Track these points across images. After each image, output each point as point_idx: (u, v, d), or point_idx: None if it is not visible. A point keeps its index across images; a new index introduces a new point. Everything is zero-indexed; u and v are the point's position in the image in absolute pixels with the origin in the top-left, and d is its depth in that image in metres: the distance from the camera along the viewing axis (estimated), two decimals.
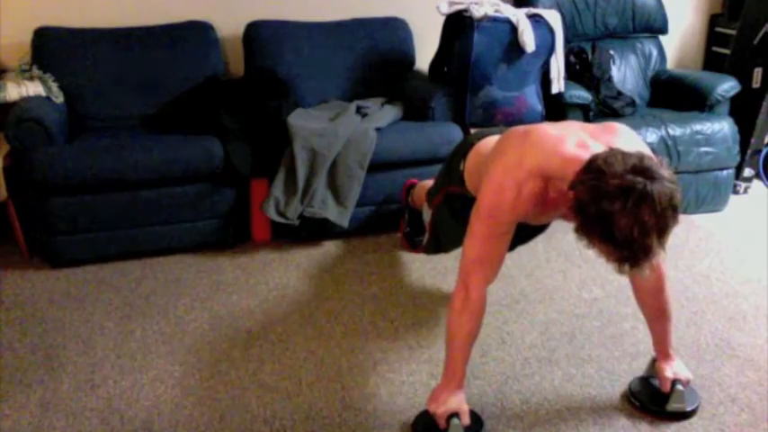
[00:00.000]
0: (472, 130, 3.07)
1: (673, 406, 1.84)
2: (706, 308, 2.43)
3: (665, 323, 1.87)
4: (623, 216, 1.31)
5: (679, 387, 1.86)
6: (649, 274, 1.55)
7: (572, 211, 1.40)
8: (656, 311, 1.86)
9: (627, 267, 1.37)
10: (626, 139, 1.61)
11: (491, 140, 1.91)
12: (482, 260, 1.67)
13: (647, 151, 1.49)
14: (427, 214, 2.51)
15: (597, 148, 1.50)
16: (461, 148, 2.08)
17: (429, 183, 2.57)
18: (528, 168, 1.56)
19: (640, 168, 1.34)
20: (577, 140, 1.56)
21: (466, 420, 1.73)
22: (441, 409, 1.72)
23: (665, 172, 1.35)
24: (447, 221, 2.20)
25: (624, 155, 1.37)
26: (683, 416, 1.85)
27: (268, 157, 2.83)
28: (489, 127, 3.07)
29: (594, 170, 1.36)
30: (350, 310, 2.43)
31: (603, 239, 1.36)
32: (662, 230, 1.34)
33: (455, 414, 1.72)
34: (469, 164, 1.96)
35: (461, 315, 1.69)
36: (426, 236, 2.49)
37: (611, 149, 1.41)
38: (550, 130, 1.62)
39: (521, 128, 1.70)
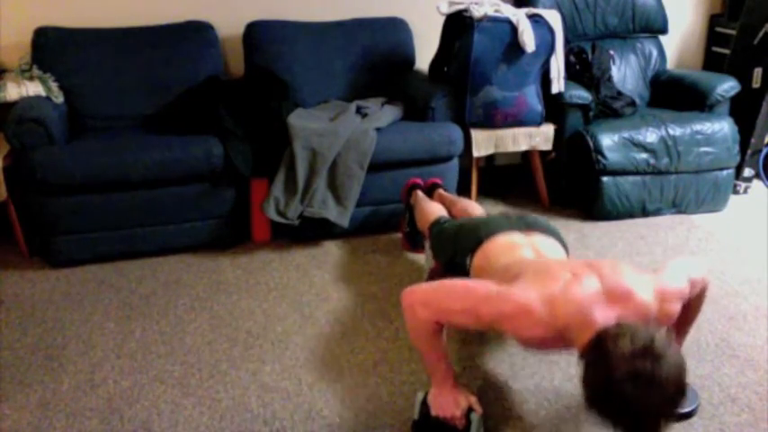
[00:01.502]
0: (473, 135, 3.07)
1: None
2: (706, 308, 2.42)
3: (686, 327, 1.87)
4: (632, 400, 1.32)
5: None
6: (698, 291, 1.61)
7: (582, 385, 1.41)
8: (688, 319, 1.84)
9: None
10: (635, 295, 1.55)
11: (503, 243, 1.87)
12: (440, 313, 1.63)
13: (659, 332, 1.44)
14: (428, 253, 2.49)
15: (610, 313, 1.49)
16: (467, 239, 1.99)
17: (431, 209, 2.51)
18: (554, 320, 1.52)
19: (649, 350, 1.33)
20: (595, 300, 1.52)
21: (479, 409, 1.74)
22: (458, 411, 1.71)
23: (672, 351, 1.35)
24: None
25: (633, 334, 1.36)
26: (683, 416, 1.85)
27: (268, 157, 2.83)
28: (490, 128, 3.09)
29: (603, 351, 1.36)
30: (350, 310, 2.43)
31: (612, 418, 1.37)
32: (669, 411, 1.35)
33: (469, 409, 1.72)
34: (477, 265, 1.91)
35: (415, 324, 1.67)
36: (426, 279, 2.48)
37: (619, 325, 1.41)
38: (575, 285, 1.55)
39: (554, 268, 1.63)
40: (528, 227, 1.98)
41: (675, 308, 1.59)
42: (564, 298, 1.52)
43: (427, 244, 2.50)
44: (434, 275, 2.32)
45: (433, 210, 2.53)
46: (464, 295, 1.61)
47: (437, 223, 2.36)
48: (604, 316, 1.48)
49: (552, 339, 1.54)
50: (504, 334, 1.64)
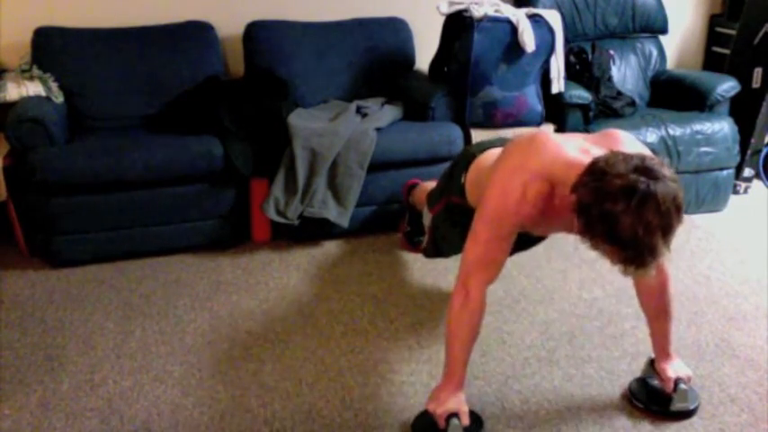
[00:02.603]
0: (473, 135, 3.07)
1: (677, 405, 1.85)
2: (706, 308, 2.43)
3: (666, 323, 1.87)
4: (627, 216, 1.31)
5: (682, 386, 1.86)
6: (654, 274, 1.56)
7: (575, 213, 1.40)
8: (658, 311, 1.86)
9: (632, 269, 1.37)
10: (628, 144, 1.60)
11: (492, 153, 1.91)
12: (483, 262, 1.67)
13: (649, 154, 1.49)
14: (427, 218, 2.51)
15: (600, 152, 1.50)
16: (462, 159, 2.07)
17: (430, 184, 2.57)
18: (532, 170, 1.56)
19: (643, 168, 1.34)
20: (579, 147, 1.57)
21: (465, 421, 1.73)
22: (440, 410, 1.72)
23: (668, 172, 1.36)
24: (447, 229, 2.20)
25: (626, 156, 1.37)
26: (685, 415, 1.85)
27: (268, 157, 2.83)
28: (490, 128, 3.09)
29: (596, 171, 1.37)
30: (350, 310, 2.43)
31: (608, 241, 1.36)
32: (666, 230, 1.33)
33: (454, 414, 1.71)
34: (471, 176, 1.96)
35: (461, 315, 1.68)
36: (426, 239, 2.49)
37: (613, 152, 1.42)
38: (552, 136, 1.62)
39: (524, 136, 1.71)
40: None
41: None
42: (533, 151, 1.57)
43: (425, 210, 2.50)
44: (431, 228, 2.36)
45: (431, 184, 2.55)
46: (474, 235, 1.66)
47: (434, 187, 2.40)
48: (588, 154, 1.49)
49: (549, 201, 1.55)
50: (536, 228, 1.72)
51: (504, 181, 1.61)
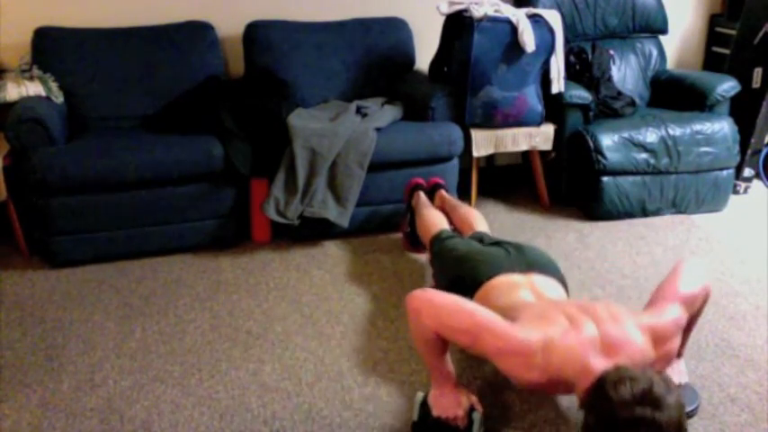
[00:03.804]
0: (473, 135, 3.07)
1: None
2: (706, 308, 2.41)
3: (691, 326, 1.88)
4: None
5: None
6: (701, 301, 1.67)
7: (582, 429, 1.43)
8: (692, 317, 1.84)
9: None
10: (629, 326, 1.57)
11: (503, 284, 1.87)
12: (442, 326, 1.63)
13: (656, 374, 1.45)
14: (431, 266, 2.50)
15: (609, 355, 1.50)
16: (467, 278, 1.98)
17: (433, 220, 2.50)
18: (549, 366, 1.52)
19: (649, 397, 1.34)
20: (592, 341, 1.53)
21: (480, 408, 1.75)
22: (460, 411, 1.72)
23: (672, 397, 1.36)
24: None
25: (632, 381, 1.37)
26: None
27: (268, 157, 2.83)
28: (490, 128, 3.09)
29: (604, 396, 1.38)
30: (350, 310, 2.43)
31: None
32: None
33: (471, 408, 1.73)
34: (479, 302, 1.88)
35: (415, 331, 1.68)
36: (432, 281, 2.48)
37: (618, 371, 1.41)
38: (581, 332, 1.55)
39: (559, 316, 1.62)
40: (528, 267, 1.96)
41: (674, 345, 1.61)
42: (561, 345, 1.53)
43: (428, 256, 2.49)
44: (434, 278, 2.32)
45: (435, 221, 2.51)
46: (469, 319, 1.60)
47: (438, 238, 2.35)
48: (601, 364, 1.49)
49: (546, 385, 1.55)
50: (498, 370, 1.64)
51: (528, 352, 1.53)
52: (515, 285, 1.87)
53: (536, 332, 1.55)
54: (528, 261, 1.99)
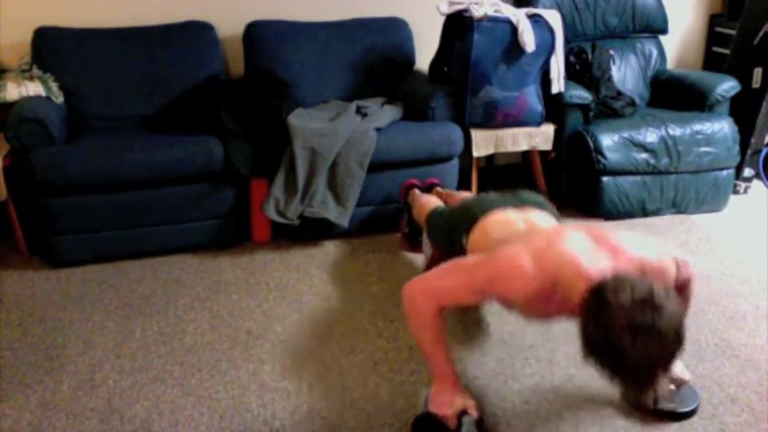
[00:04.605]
0: (473, 135, 3.07)
1: (663, 405, 1.85)
2: (706, 308, 2.43)
3: None
4: (632, 351, 1.32)
5: (670, 387, 1.86)
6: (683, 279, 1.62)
7: (580, 338, 1.42)
8: None
9: (631, 393, 1.39)
10: (632, 250, 1.58)
11: (498, 219, 1.89)
12: (444, 297, 1.65)
13: (650, 262, 1.47)
14: (427, 245, 2.52)
15: (605, 262, 1.51)
16: (465, 216, 2.02)
17: (427, 201, 2.54)
18: (544, 269, 1.54)
19: (648, 302, 1.34)
20: (589, 250, 1.55)
21: (475, 413, 1.74)
22: (450, 411, 1.72)
23: (672, 302, 1.36)
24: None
25: (632, 285, 1.37)
26: (682, 416, 1.85)
27: (268, 157, 2.83)
28: (490, 128, 3.09)
29: (602, 301, 1.37)
30: (350, 310, 2.43)
31: (610, 369, 1.38)
32: (667, 361, 1.36)
33: (463, 412, 1.72)
34: (473, 243, 1.93)
35: (412, 319, 1.69)
36: (426, 260, 2.50)
37: (619, 276, 1.41)
38: (567, 240, 1.59)
39: (541, 232, 1.67)
40: (522, 203, 2.00)
41: (670, 267, 1.61)
42: (549, 249, 1.56)
43: (425, 234, 2.50)
44: (432, 262, 2.34)
45: (430, 201, 2.55)
46: (456, 270, 1.65)
47: (434, 212, 2.39)
48: (595, 264, 1.49)
49: (548, 297, 1.55)
50: (508, 307, 1.67)
51: (513, 263, 1.57)
52: (509, 220, 1.89)
53: (520, 246, 1.59)
54: (522, 199, 2.03)
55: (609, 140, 3.06)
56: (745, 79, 3.42)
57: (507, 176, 3.74)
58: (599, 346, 1.37)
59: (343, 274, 2.69)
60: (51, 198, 2.62)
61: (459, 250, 1.99)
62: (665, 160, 3.11)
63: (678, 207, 3.23)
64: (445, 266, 1.68)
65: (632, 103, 3.35)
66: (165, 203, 2.75)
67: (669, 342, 1.33)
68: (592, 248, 1.56)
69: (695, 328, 2.29)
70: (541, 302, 1.57)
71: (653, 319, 1.32)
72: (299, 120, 2.91)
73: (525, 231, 1.80)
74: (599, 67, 3.38)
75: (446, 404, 1.73)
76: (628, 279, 1.39)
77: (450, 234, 2.09)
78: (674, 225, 3.13)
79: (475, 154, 3.13)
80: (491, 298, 1.64)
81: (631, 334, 1.32)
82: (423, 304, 1.66)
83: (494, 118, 3.09)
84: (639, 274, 1.42)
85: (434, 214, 2.37)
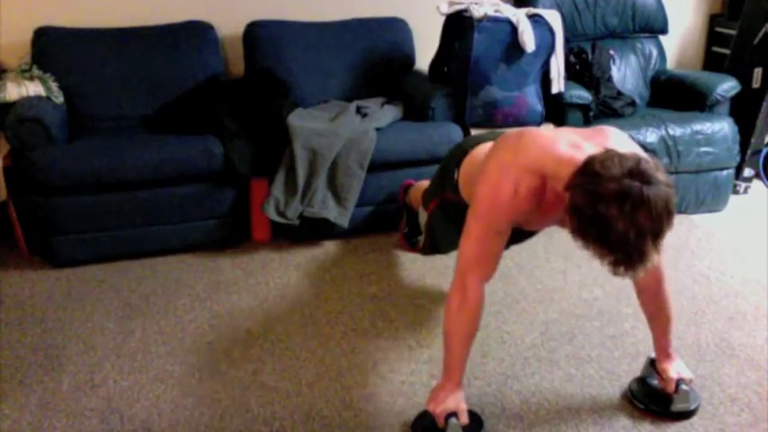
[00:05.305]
0: (473, 131, 3.07)
1: (678, 406, 1.85)
2: (706, 308, 2.43)
3: (664, 323, 1.87)
4: (620, 220, 1.31)
5: (684, 387, 1.86)
6: (646, 275, 1.53)
7: (568, 213, 1.40)
8: (656, 309, 1.85)
9: (622, 270, 1.37)
10: (618, 141, 1.60)
11: (485, 148, 1.91)
12: (479, 259, 1.67)
13: (641, 153, 1.48)
14: (423, 217, 2.52)
15: (591, 148, 1.50)
16: (455, 155, 2.07)
17: (425, 183, 2.57)
18: (523, 165, 1.56)
19: (637, 172, 1.33)
20: (570, 141, 1.57)
21: (464, 419, 1.73)
22: (439, 409, 1.72)
23: (661, 175, 1.35)
24: (443, 225, 2.20)
25: (621, 157, 1.36)
26: (685, 415, 1.85)
27: (268, 157, 2.83)
28: (490, 128, 3.09)
29: (591, 173, 1.36)
30: (350, 310, 2.43)
31: (599, 242, 1.36)
32: (657, 234, 1.34)
33: (453, 414, 1.72)
34: (463, 171, 1.96)
35: (459, 315, 1.69)
36: (423, 238, 2.49)
37: (607, 151, 1.41)
38: (542, 131, 1.64)
39: (513, 131, 1.72)
40: None
41: None
42: (531, 144, 1.58)
43: (420, 209, 2.50)
44: (427, 227, 2.36)
45: (426, 183, 2.57)
46: (468, 228, 1.66)
47: (428, 185, 2.42)
48: (581, 153, 1.48)
49: (541, 192, 1.56)
50: (530, 224, 1.73)
51: (495, 177, 1.61)
52: None
53: (502, 150, 1.64)
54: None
55: None
56: (745, 79, 3.41)
57: None
58: (586, 217, 1.35)
59: (344, 274, 2.69)
60: (51, 198, 2.62)
61: (452, 186, 2.01)
62: (664, 160, 3.10)
63: (678, 207, 3.22)
64: (461, 240, 1.69)
65: (632, 103, 3.35)
66: (165, 203, 2.75)
67: (658, 213, 1.31)
68: (573, 140, 1.57)
69: (695, 328, 2.29)
70: (540, 201, 1.58)
71: (641, 188, 1.31)
72: (299, 120, 2.91)
73: None
74: (599, 67, 3.38)
75: (438, 401, 1.74)
76: (616, 153, 1.38)
77: (443, 176, 2.11)
78: (674, 225, 3.12)
79: None
80: (508, 228, 1.66)
81: (619, 202, 1.30)
82: (472, 286, 1.66)
83: (494, 118, 3.09)
84: (629, 152, 1.41)
85: (429, 185, 2.40)
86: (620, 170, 1.33)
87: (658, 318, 1.87)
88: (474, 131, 3.09)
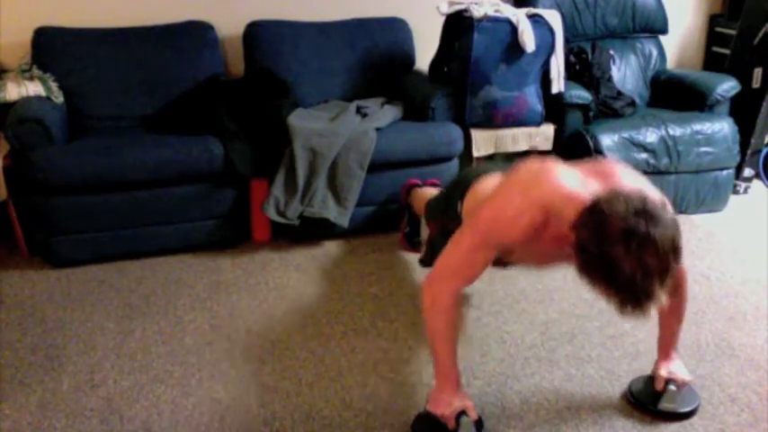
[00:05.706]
0: (473, 135, 3.07)
1: (663, 405, 1.85)
2: (706, 308, 2.43)
3: (676, 321, 1.87)
4: (626, 260, 1.31)
5: (671, 387, 1.86)
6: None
7: (574, 252, 1.40)
8: (671, 308, 1.83)
9: (629, 309, 1.37)
10: (626, 178, 1.59)
11: (490, 181, 1.90)
12: (459, 270, 1.67)
13: (649, 189, 1.48)
14: (425, 230, 2.53)
15: (598, 187, 1.50)
16: (459, 185, 2.05)
17: (428, 191, 2.57)
18: (533, 198, 1.55)
19: (642, 211, 1.33)
20: (579, 179, 1.56)
21: (474, 415, 1.75)
22: (448, 411, 1.73)
23: (667, 214, 1.35)
24: (444, 246, 2.19)
25: (627, 197, 1.36)
26: (682, 416, 1.85)
27: (268, 157, 2.84)
28: (490, 128, 3.09)
29: (597, 212, 1.36)
30: (350, 310, 2.43)
31: (605, 282, 1.36)
32: (664, 273, 1.33)
33: (462, 412, 1.73)
34: (467, 205, 1.95)
35: (433, 315, 1.69)
36: (423, 249, 2.50)
37: (613, 190, 1.41)
38: (558, 167, 1.61)
39: (527, 166, 1.69)
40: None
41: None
42: (537, 180, 1.57)
43: (423, 220, 2.51)
44: (429, 242, 2.36)
45: (430, 192, 2.58)
46: (458, 239, 1.66)
47: (432, 197, 2.42)
48: (587, 190, 1.48)
49: (542, 229, 1.54)
50: (509, 255, 1.70)
51: (503, 199, 1.61)
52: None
53: (507, 186, 1.63)
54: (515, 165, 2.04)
55: (609, 140, 3.06)
56: (745, 79, 3.42)
57: None
58: (593, 257, 1.35)
59: (344, 274, 2.69)
60: (51, 198, 2.62)
61: (454, 215, 2.00)
62: (664, 160, 3.11)
63: (678, 207, 3.23)
64: (448, 245, 1.69)
65: (632, 103, 3.35)
66: (166, 203, 2.75)
67: (665, 252, 1.31)
68: (583, 178, 1.56)
69: (695, 327, 2.29)
70: (536, 237, 1.56)
71: (647, 228, 1.30)
72: (299, 120, 2.91)
73: None
74: (599, 67, 3.38)
75: (444, 404, 1.74)
76: (622, 192, 1.38)
77: (447, 203, 2.11)
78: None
79: (475, 154, 3.13)
80: (497, 248, 1.65)
81: (625, 242, 1.30)
82: (444, 293, 1.66)
83: (494, 118, 3.09)
84: (634, 190, 1.40)
85: (433, 199, 2.40)
86: (626, 209, 1.33)
87: (673, 315, 1.85)
88: (474, 132, 3.09)
